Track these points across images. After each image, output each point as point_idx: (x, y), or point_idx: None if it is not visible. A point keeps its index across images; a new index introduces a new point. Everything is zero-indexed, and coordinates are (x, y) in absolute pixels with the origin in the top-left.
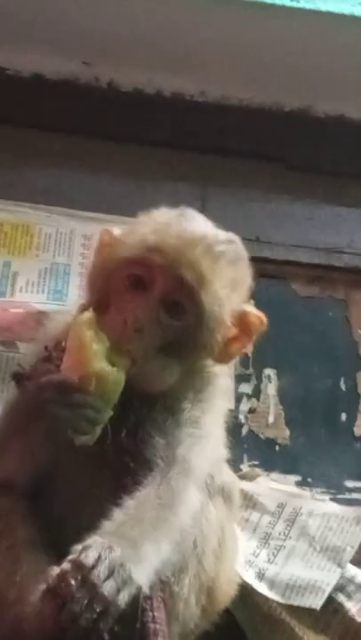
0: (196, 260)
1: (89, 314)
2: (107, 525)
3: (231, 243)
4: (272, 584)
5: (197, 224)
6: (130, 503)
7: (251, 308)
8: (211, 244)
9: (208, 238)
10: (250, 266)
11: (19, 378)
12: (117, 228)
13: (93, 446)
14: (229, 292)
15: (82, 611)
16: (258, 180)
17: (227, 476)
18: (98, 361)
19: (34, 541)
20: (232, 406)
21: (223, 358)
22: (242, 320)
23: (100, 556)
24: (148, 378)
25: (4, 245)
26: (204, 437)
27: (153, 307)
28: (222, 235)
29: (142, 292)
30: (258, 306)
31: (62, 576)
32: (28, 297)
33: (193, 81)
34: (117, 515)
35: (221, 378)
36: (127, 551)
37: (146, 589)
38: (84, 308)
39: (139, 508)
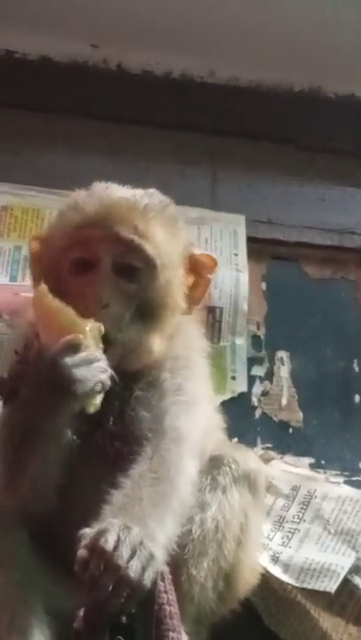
0: (128, 217)
1: (43, 285)
2: (109, 509)
3: (151, 194)
4: (286, 567)
5: (114, 191)
6: (126, 483)
7: (198, 251)
8: (133, 201)
9: (130, 198)
10: (177, 211)
11: (4, 387)
12: (42, 230)
13: (84, 440)
14: (169, 238)
15: (108, 596)
16: (268, 162)
17: (253, 462)
18: (79, 318)
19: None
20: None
21: (190, 306)
22: (193, 264)
23: (119, 538)
24: (133, 352)
25: (15, 229)
26: (190, 403)
27: (108, 278)
28: (140, 193)
29: (91, 270)
30: (270, 288)
31: (83, 564)
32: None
33: (202, 62)
34: (116, 497)
35: (193, 335)
36: (140, 529)
37: (162, 567)
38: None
39: (135, 486)
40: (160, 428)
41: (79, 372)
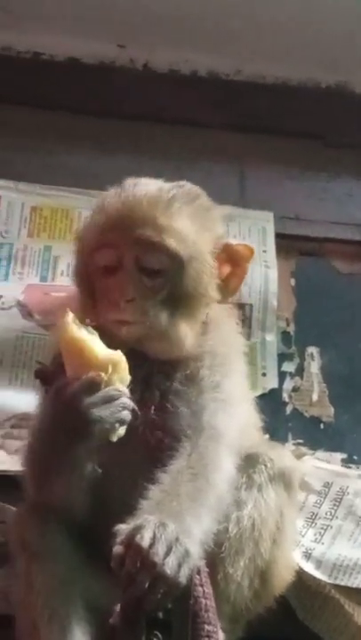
0: (148, 217)
1: (69, 314)
2: (146, 504)
3: (181, 186)
4: (319, 564)
5: (140, 187)
6: (164, 478)
7: (233, 240)
8: (156, 196)
9: (154, 194)
10: (210, 201)
11: (42, 375)
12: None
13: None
14: (198, 229)
15: (145, 592)
16: (296, 158)
17: (288, 460)
18: (102, 349)
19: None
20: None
21: (225, 296)
22: (229, 254)
23: (154, 535)
24: (164, 341)
25: (44, 230)
26: (227, 401)
27: (132, 276)
28: (168, 185)
29: (117, 272)
30: (299, 284)
31: (119, 560)
32: (70, 280)
33: (228, 60)
34: (154, 492)
35: (230, 332)
36: (177, 525)
37: (198, 563)
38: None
39: (173, 481)
40: (198, 424)
41: (97, 412)
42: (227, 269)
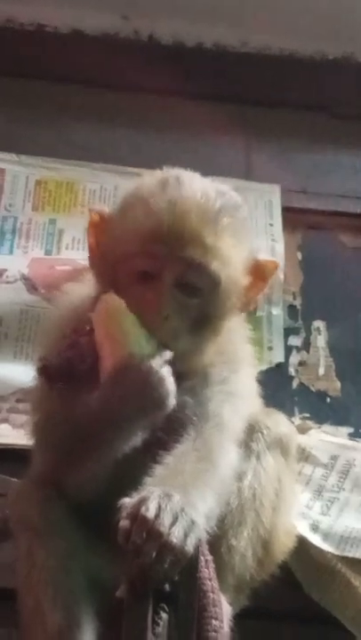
0: (196, 234)
1: (119, 298)
2: (150, 480)
3: (224, 195)
4: (326, 536)
5: (186, 190)
6: (169, 458)
7: (261, 256)
8: (207, 210)
9: (202, 204)
10: (245, 211)
11: (48, 373)
12: (105, 208)
13: None
14: (236, 246)
15: (152, 563)
16: (302, 131)
17: (284, 427)
18: (144, 345)
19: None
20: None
21: (243, 308)
22: (256, 269)
23: (159, 505)
24: (183, 359)
25: (49, 203)
26: (234, 394)
27: (170, 292)
28: (212, 190)
29: (153, 280)
30: (306, 257)
31: (125, 533)
32: (75, 254)
33: (234, 32)
34: (158, 469)
35: (236, 325)
36: (181, 496)
37: (204, 532)
38: (104, 292)
39: (178, 461)
40: (204, 413)
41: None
42: (251, 283)
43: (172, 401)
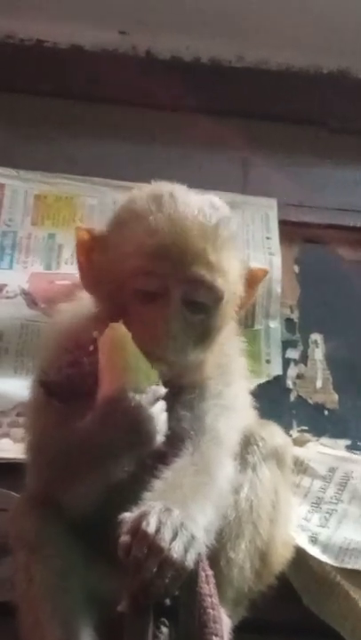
0: (201, 252)
1: (125, 330)
2: (150, 495)
3: (217, 208)
4: (325, 548)
5: (182, 206)
6: (167, 473)
7: (253, 264)
8: (206, 227)
9: (201, 221)
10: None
11: (48, 387)
12: (96, 225)
13: None
14: (233, 257)
15: (153, 578)
16: (299, 145)
17: (279, 438)
18: (141, 380)
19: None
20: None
21: (236, 315)
22: (248, 277)
23: (160, 520)
24: (185, 374)
25: (48, 218)
26: (229, 407)
27: (176, 311)
28: (205, 204)
29: (158, 299)
30: (303, 270)
31: (125, 548)
32: (74, 269)
33: (230, 46)
34: (157, 484)
35: (229, 337)
36: (181, 511)
37: (204, 547)
38: (110, 318)
39: (176, 475)
40: (200, 427)
41: (161, 423)
42: (241, 290)
43: (159, 438)
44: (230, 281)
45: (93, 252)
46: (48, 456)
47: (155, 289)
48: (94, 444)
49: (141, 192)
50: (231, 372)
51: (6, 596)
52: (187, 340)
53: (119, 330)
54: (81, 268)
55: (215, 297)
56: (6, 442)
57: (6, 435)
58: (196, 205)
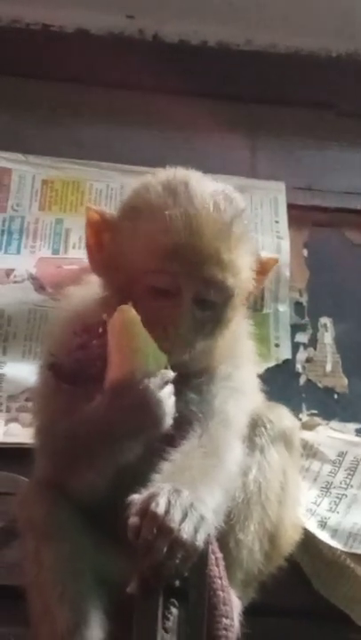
0: (215, 251)
1: (135, 312)
2: (158, 476)
3: (231, 201)
4: (334, 533)
5: (197, 199)
6: (176, 455)
7: (263, 254)
8: (221, 225)
9: (216, 219)
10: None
11: (56, 370)
12: (105, 209)
13: None
14: (246, 253)
15: (163, 559)
16: (308, 128)
17: (287, 420)
18: (150, 364)
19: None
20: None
21: (245, 303)
22: (259, 268)
23: (169, 501)
24: (193, 363)
25: (56, 203)
26: (238, 390)
27: (187, 310)
28: (221, 197)
29: (169, 297)
30: (312, 254)
31: (135, 529)
32: (82, 253)
33: (238, 30)
34: (166, 466)
35: (244, 332)
36: (190, 492)
37: (213, 528)
38: (119, 302)
39: (185, 458)
40: (209, 409)
41: (170, 406)
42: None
43: (168, 421)
44: (242, 277)
45: (103, 235)
46: (56, 440)
47: (166, 287)
48: (103, 428)
49: (156, 179)
50: (240, 356)
51: (15, 580)
52: (195, 336)
53: (129, 312)
54: (90, 250)
55: (226, 295)
56: (15, 426)
57: (15, 419)
58: (211, 198)
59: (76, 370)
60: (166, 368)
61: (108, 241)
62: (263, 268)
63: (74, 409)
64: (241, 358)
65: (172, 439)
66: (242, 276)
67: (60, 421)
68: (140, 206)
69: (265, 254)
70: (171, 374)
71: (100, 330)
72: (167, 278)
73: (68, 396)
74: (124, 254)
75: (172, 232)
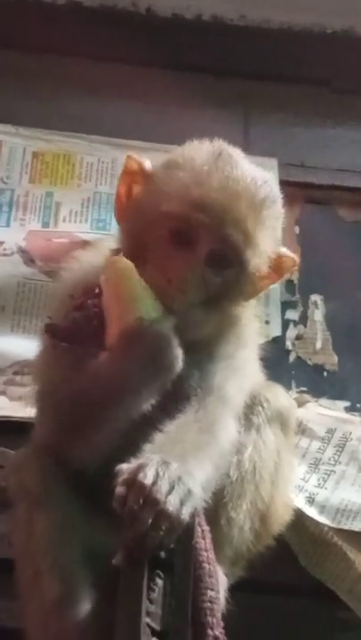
0: (242, 217)
1: (128, 261)
2: (149, 447)
3: (268, 185)
4: (322, 509)
5: (238, 169)
6: (170, 427)
7: (284, 251)
8: (254, 197)
9: (251, 189)
10: (280, 201)
11: (53, 331)
12: (146, 159)
13: None
14: (269, 237)
15: (148, 530)
16: (301, 105)
17: (284, 400)
18: (151, 310)
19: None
20: (269, 335)
21: (252, 295)
22: (276, 262)
23: (157, 473)
24: (185, 329)
25: (46, 176)
26: (238, 369)
27: (197, 266)
28: (260, 177)
29: (185, 247)
30: (303, 231)
31: (121, 499)
32: (72, 227)
33: (233, 4)
34: (158, 437)
35: (250, 314)
36: (179, 465)
37: (201, 502)
38: (117, 253)
39: (179, 430)
40: (208, 386)
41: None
42: (267, 274)
43: (180, 363)
44: (259, 257)
45: (136, 185)
46: (61, 403)
47: (186, 237)
48: (117, 380)
49: (201, 144)
50: (244, 337)
51: (4, 552)
52: (196, 298)
53: (121, 261)
54: (119, 198)
55: (238, 265)
56: (2, 400)
57: (2, 393)
58: (251, 175)
59: (73, 330)
60: (163, 314)
61: (138, 190)
62: (279, 266)
63: (75, 370)
64: (245, 339)
65: (169, 411)
66: (259, 255)
67: (62, 383)
68: (180, 160)
69: (286, 250)
70: (173, 319)
71: (97, 290)
72: (189, 225)
73: (69, 358)
74: (154, 200)
75: (206, 185)
